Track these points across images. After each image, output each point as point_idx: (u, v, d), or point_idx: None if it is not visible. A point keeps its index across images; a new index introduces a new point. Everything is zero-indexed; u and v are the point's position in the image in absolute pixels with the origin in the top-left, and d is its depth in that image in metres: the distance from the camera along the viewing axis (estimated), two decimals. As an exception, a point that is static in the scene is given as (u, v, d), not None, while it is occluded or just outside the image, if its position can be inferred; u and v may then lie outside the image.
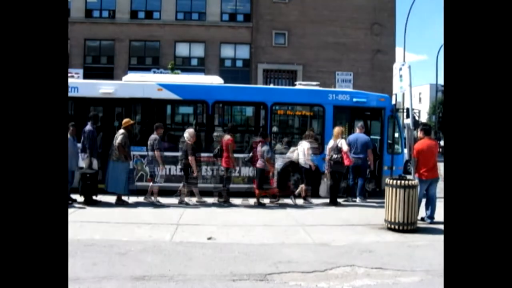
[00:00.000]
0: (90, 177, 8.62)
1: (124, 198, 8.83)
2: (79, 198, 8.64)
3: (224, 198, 8.97)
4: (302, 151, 9.20)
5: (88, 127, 8.96)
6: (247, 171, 10.01)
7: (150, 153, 8.91)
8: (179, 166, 9.11)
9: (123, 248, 5.59)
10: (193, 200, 8.95)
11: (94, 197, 8.70)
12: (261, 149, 8.86)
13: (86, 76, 21.63)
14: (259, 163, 8.96)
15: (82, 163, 8.97)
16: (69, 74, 9.60)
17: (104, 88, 10.01)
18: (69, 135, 8.37)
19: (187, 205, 8.75)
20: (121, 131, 8.75)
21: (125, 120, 8.98)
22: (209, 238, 6.19)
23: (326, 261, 5.23)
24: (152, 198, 8.88)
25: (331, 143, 9.29)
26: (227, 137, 8.97)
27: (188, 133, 8.80)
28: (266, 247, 5.83)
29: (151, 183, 8.94)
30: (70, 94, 9.42)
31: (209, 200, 9.05)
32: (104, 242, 5.84)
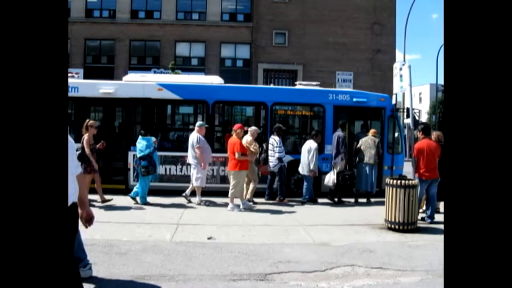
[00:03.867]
0: (348, 178, 9.45)
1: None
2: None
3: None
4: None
5: (339, 132, 9.57)
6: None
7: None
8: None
9: (123, 248, 5.60)
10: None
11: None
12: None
13: (86, 76, 21.63)
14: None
15: None
16: (69, 74, 9.63)
17: (104, 88, 10.02)
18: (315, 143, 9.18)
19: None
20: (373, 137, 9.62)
21: (373, 131, 9.79)
22: (209, 238, 6.19)
23: (326, 261, 5.24)
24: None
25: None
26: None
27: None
28: (266, 247, 5.84)
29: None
30: (70, 94, 9.43)
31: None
32: (104, 241, 5.84)
